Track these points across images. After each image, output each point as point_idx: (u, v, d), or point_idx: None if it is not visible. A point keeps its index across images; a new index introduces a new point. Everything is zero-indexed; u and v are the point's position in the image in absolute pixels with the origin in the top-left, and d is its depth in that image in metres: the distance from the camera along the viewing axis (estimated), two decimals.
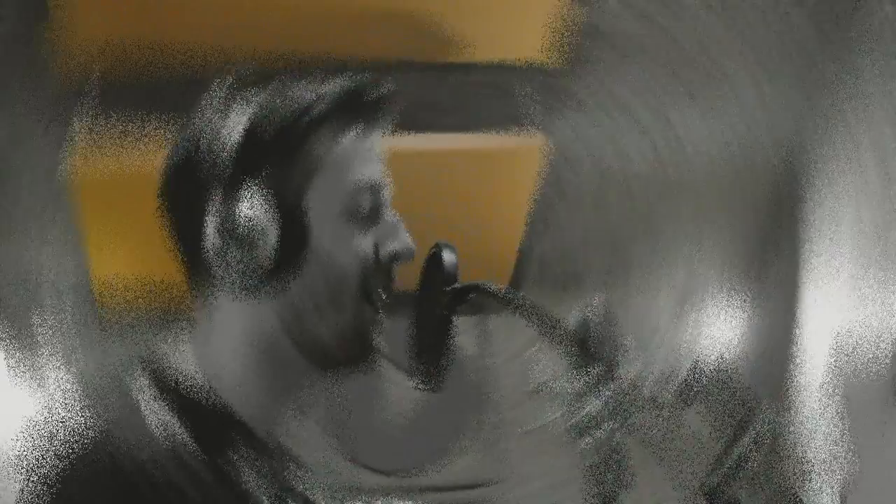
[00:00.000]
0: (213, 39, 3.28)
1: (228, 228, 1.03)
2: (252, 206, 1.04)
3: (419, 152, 3.43)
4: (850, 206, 3.56)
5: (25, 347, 3.70)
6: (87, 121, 3.32)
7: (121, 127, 3.44)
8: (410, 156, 3.48)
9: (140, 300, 3.82)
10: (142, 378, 1.04)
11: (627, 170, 3.82)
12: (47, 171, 3.50)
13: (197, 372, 1.06)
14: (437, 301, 1.03)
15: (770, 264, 4.17)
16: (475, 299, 1.05)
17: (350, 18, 3.24)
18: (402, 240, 1.11)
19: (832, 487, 3.61)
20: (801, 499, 1.07)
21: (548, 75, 3.58)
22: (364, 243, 1.09)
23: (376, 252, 1.10)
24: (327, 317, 1.07)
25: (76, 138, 3.31)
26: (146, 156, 3.10)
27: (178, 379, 1.05)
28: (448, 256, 1.04)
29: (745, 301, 4.21)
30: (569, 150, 3.74)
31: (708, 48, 3.61)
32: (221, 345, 1.08)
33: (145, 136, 3.38)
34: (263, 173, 1.05)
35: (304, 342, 1.08)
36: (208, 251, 1.05)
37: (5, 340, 3.73)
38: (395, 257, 1.11)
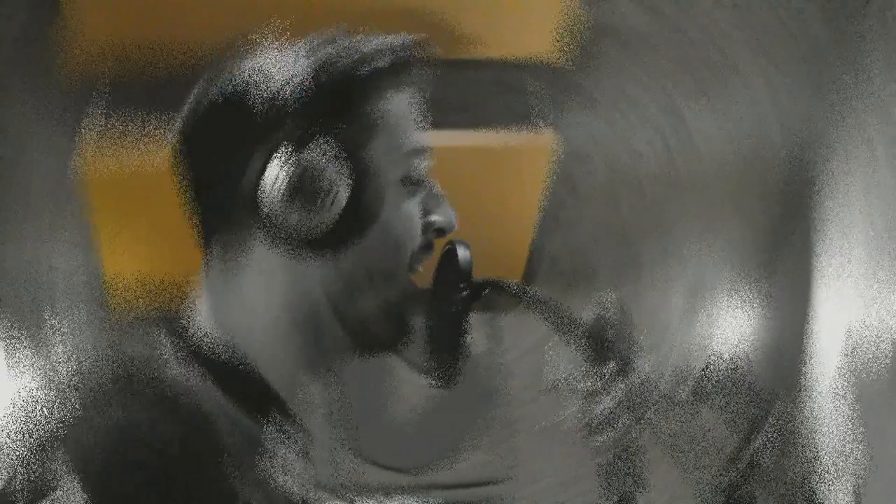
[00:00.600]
0: (218, 38, 3.28)
1: (295, 176, 0.96)
2: (324, 157, 0.97)
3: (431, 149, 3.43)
4: (862, 201, 3.55)
5: (36, 346, 3.71)
6: (96, 119, 3.32)
7: (129, 126, 3.45)
8: None
9: (150, 295, 3.83)
10: (162, 336, 0.97)
11: (638, 167, 3.81)
12: (57, 168, 3.52)
13: (218, 331, 1.00)
14: (451, 298, 1.02)
15: (781, 261, 4.16)
16: (488, 296, 1.04)
17: (358, 16, 3.24)
18: (446, 212, 1.08)
19: (846, 483, 3.60)
20: (815, 494, 1.07)
21: (558, 72, 3.58)
22: (416, 212, 1.05)
23: (424, 223, 1.06)
24: (377, 289, 1.01)
25: (85, 137, 3.31)
26: (155, 153, 3.11)
27: (199, 337, 0.99)
28: (462, 253, 1.03)
29: (756, 297, 4.21)
30: (579, 147, 3.74)
31: (719, 44, 3.60)
32: (252, 304, 1.01)
33: (153, 134, 3.38)
34: (331, 125, 0.99)
35: (347, 315, 1.01)
36: (267, 198, 0.96)
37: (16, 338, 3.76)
38: (440, 229, 1.07)
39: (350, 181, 0.97)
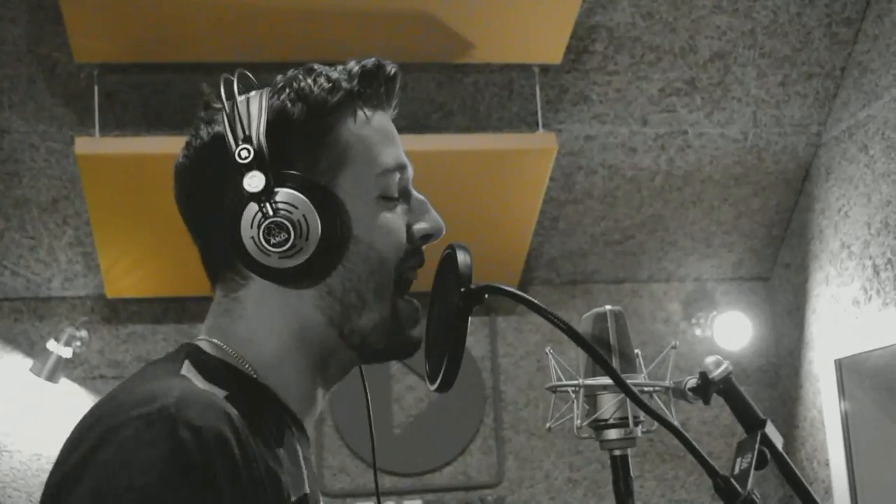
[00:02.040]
0: (220, 41, 3.29)
1: (267, 216, 1.03)
2: (291, 193, 1.04)
3: (429, 152, 3.43)
4: (861, 201, 3.56)
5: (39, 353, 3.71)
6: (95, 123, 3.33)
7: (127, 133, 3.46)
8: (421, 156, 3.49)
9: (152, 310, 3.83)
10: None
11: (637, 170, 3.82)
12: (58, 170, 3.52)
13: (234, 352, 1.07)
14: (451, 302, 1.02)
15: (780, 263, 4.17)
16: (487, 300, 1.04)
17: (359, 20, 3.24)
18: (432, 218, 1.12)
19: (846, 485, 3.61)
20: (812, 497, 1.06)
21: (557, 76, 3.58)
22: (398, 223, 1.09)
23: (409, 233, 1.10)
24: (371, 307, 1.07)
25: (84, 142, 3.31)
26: (154, 164, 3.11)
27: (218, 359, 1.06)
28: (462, 257, 1.03)
29: (754, 299, 4.21)
30: (578, 150, 3.74)
31: (717, 46, 3.61)
32: (260, 328, 1.07)
33: (152, 143, 3.38)
34: (296, 158, 1.06)
35: (347, 334, 1.08)
36: (247, 238, 1.04)
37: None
38: (427, 236, 1.11)
39: (321, 211, 1.04)
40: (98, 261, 3.61)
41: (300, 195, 1.04)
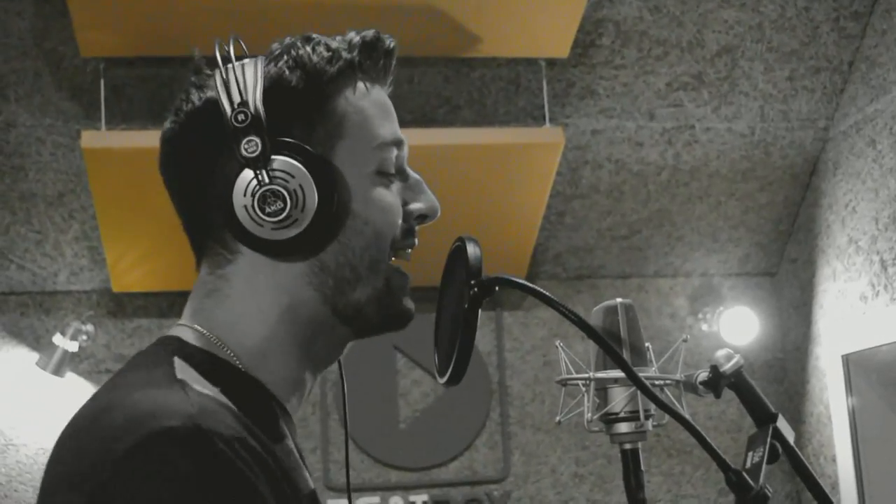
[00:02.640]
0: (225, 35, 3.28)
1: (263, 183, 0.99)
2: (287, 161, 1.00)
3: (436, 146, 3.43)
4: (869, 196, 3.54)
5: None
6: (101, 117, 3.33)
7: (133, 126, 3.46)
8: (427, 150, 3.49)
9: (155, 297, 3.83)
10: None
11: (644, 164, 3.81)
12: (64, 164, 3.52)
13: (216, 337, 1.03)
14: (461, 294, 1.01)
15: (787, 258, 4.16)
16: (494, 295, 1.03)
17: (365, 13, 3.24)
18: (428, 198, 1.09)
19: (853, 481, 3.60)
20: (823, 492, 1.05)
21: (564, 70, 3.58)
22: (393, 201, 1.06)
23: (405, 211, 1.07)
24: (364, 280, 1.04)
25: (90, 136, 3.31)
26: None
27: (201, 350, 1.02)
28: (472, 250, 1.01)
29: (761, 294, 4.20)
30: (585, 145, 3.73)
31: (725, 40, 3.60)
32: (247, 309, 1.03)
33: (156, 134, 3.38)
34: (293, 127, 1.02)
35: (340, 307, 1.04)
36: (240, 207, 1.00)
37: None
38: (422, 216, 1.09)
39: (319, 181, 1.00)
40: (104, 255, 3.61)
41: (297, 164, 1.00)
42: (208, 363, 1.00)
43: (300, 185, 1.00)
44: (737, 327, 3.99)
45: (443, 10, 3.27)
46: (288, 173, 1.00)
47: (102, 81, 3.34)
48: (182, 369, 0.96)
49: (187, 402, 0.89)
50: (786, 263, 4.17)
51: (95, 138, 3.29)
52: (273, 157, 1.00)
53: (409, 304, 1.09)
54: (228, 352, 1.02)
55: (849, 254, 3.66)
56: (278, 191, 0.99)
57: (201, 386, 0.94)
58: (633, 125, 3.73)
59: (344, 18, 3.24)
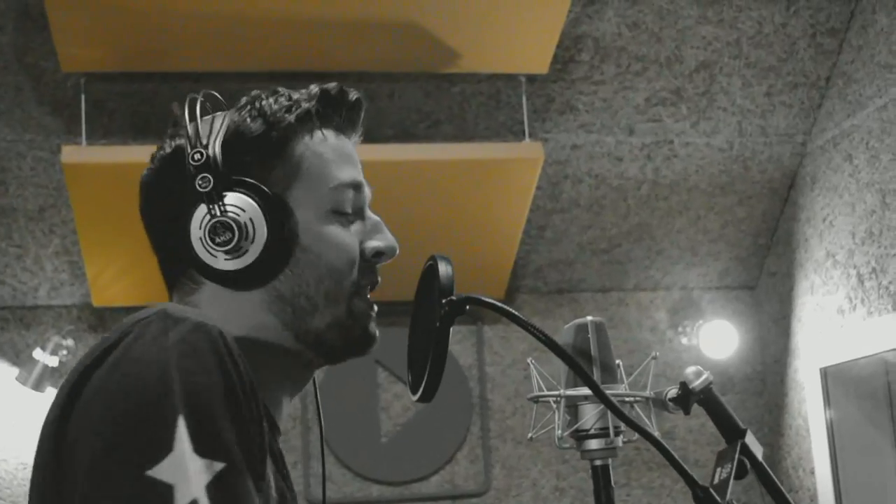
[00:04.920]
0: (208, 51, 3.29)
1: (214, 215, 1.06)
2: (240, 197, 1.07)
3: (416, 162, 3.44)
4: (846, 210, 3.57)
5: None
6: (81, 132, 3.33)
7: (114, 141, 3.46)
8: (408, 165, 3.50)
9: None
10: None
11: (623, 179, 3.83)
12: (45, 179, 3.52)
13: None
14: (433, 313, 1.03)
15: (766, 272, 4.19)
16: (474, 310, 1.05)
17: (346, 29, 3.25)
18: (386, 237, 1.15)
19: (832, 494, 3.62)
20: None
21: (543, 85, 3.60)
22: (349, 240, 1.12)
23: (362, 249, 1.13)
24: (322, 310, 1.10)
25: (70, 151, 3.31)
26: (140, 173, 3.11)
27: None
28: (444, 269, 1.04)
29: (740, 308, 4.23)
30: (565, 160, 3.75)
31: (703, 56, 3.63)
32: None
33: (139, 151, 3.38)
34: (251, 168, 1.10)
35: (301, 334, 1.10)
36: (195, 239, 1.08)
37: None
38: (379, 253, 1.14)
39: (269, 215, 1.08)
40: (84, 269, 3.61)
41: (249, 199, 1.08)
42: None
43: (250, 219, 1.07)
44: (716, 340, 4.02)
45: (423, 27, 3.28)
46: (240, 207, 1.08)
47: (83, 96, 3.34)
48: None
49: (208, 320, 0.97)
50: (765, 277, 4.20)
51: (76, 153, 3.29)
52: (228, 193, 1.08)
53: (373, 329, 1.14)
54: None
55: (826, 267, 3.69)
56: (227, 222, 1.07)
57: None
58: (613, 140, 3.75)
59: (325, 35, 3.25)
